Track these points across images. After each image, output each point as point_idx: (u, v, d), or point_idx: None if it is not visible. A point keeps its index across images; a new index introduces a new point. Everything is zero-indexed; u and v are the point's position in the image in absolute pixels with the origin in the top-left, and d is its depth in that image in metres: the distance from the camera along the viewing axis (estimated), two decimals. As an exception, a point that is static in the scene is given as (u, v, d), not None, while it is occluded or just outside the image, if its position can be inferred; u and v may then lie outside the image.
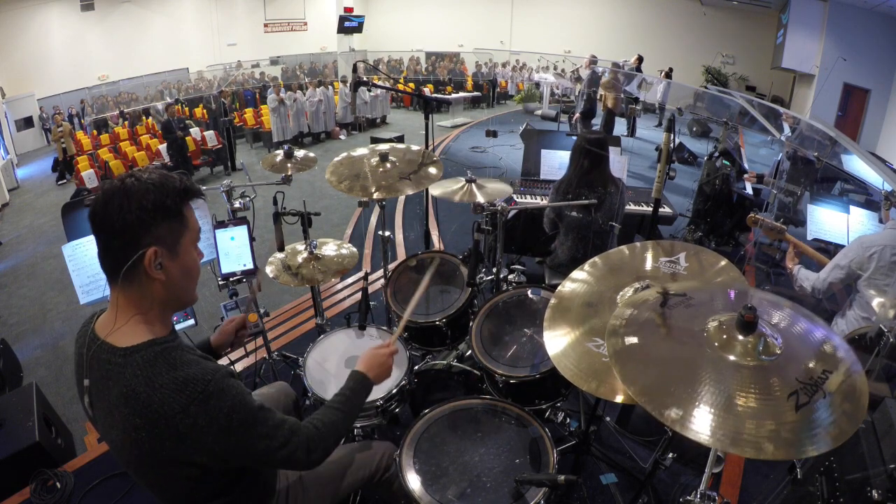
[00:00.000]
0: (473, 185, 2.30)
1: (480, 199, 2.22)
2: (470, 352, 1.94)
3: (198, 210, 2.40)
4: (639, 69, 9.53)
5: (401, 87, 11.52)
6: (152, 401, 0.91)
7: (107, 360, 0.96)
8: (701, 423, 0.92)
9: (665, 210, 3.62)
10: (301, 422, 1.12)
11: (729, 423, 0.91)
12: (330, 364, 1.90)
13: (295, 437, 1.06)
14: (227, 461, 1.01)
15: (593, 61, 7.91)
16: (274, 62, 17.14)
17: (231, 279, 2.28)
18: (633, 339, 1.12)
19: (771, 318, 1.11)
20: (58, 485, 2.17)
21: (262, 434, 1.01)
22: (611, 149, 3.73)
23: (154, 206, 0.94)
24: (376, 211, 5.49)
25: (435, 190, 2.35)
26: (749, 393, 0.94)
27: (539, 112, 11.45)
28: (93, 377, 0.99)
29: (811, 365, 1.00)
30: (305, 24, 18.01)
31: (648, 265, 1.56)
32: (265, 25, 17.25)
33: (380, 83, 8.94)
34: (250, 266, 2.30)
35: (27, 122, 12.61)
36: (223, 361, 2.92)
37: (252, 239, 2.30)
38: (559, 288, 1.57)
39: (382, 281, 2.49)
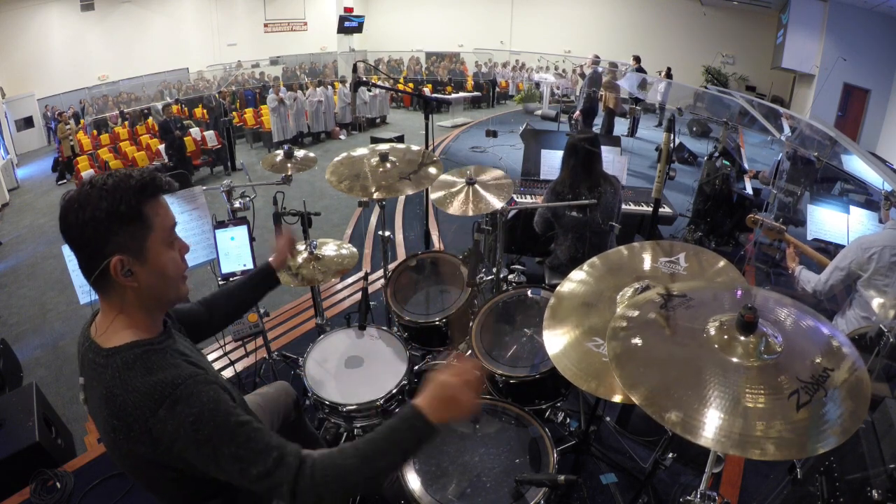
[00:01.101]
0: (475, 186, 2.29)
1: (485, 203, 2.19)
2: (470, 352, 1.95)
3: (196, 210, 2.41)
4: (639, 69, 9.52)
5: (401, 87, 11.51)
6: (127, 403, 0.90)
7: (93, 360, 0.97)
8: (710, 427, 0.91)
9: (665, 210, 3.62)
10: (305, 454, 0.94)
11: (738, 425, 0.90)
12: (330, 364, 1.90)
13: (281, 471, 0.90)
14: (204, 471, 0.93)
15: (595, 61, 7.92)
16: (274, 62, 17.13)
17: (231, 279, 2.28)
18: (637, 341, 1.12)
19: (771, 316, 1.11)
20: (58, 485, 2.17)
21: (236, 455, 0.90)
22: (611, 149, 3.74)
23: (108, 215, 0.89)
24: (376, 211, 5.49)
25: (434, 194, 2.33)
26: (758, 393, 0.94)
27: (539, 112, 11.45)
28: (85, 376, 0.99)
29: (814, 362, 0.99)
30: (305, 24, 18.00)
31: (648, 265, 1.56)
32: (265, 25, 17.24)
33: (380, 83, 8.94)
34: (250, 266, 2.30)
35: (27, 122, 12.61)
36: (223, 362, 2.92)
37: (252, 239, 2.30)
38: (559, 288, 1.57)
39: (382, 281, 2.49)
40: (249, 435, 0.92)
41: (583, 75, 8.02)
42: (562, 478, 1.27)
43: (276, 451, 0.92)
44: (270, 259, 1.54)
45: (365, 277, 2.42)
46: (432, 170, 2.26)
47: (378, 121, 12.14)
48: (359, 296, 2.58)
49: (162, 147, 8.82)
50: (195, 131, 9.29)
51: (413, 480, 1.37)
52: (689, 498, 1.27)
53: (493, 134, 8.19)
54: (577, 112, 7.97)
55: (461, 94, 12.55)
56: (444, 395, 0.99)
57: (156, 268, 0.97)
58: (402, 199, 5.84)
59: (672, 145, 1.97)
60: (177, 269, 1.02)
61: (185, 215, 2.35)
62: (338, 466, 0.92)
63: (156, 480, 1.00)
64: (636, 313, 1.20)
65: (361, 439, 0.97)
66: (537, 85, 12.95)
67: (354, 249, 2.38)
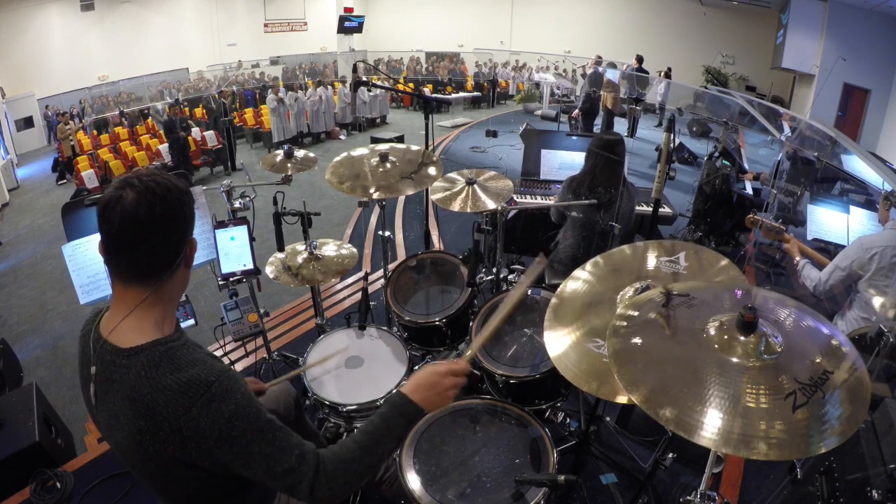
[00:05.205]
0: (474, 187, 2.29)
1: (484, 203, 2.20)
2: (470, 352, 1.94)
3: (196, 209, 2.41)
4: (640, 69, 9.53)
5: (401, 87, 11.51)
6: (157, 402, 0.89)
7: (111, 362, 0.94)
8: (708, 426, 0.91)
9: (665, 210, 3.62)
10: (318, 450, 0.99)
11: (737, 424, 0.90)
12: (330, 364, 1.90)
13: (303, 468, 0.95)
14: (229, 469, 0.95)
15: (598, 62, 7.92)
16: (274, 62, 17.14)
17: (231, 279, 2.28)
18: (636, 340, 1.12)
19: (771, 316, 1.11)
20: (58, 485, 2.17)
21: (265, 453, 0.93)
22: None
23: (190, 203, 1.00)
24: (376, 211, 5.49)
25: (434, 195, 2.34)
26: (758, 393, 0.94)
27: (539, 112, 11.44)
28: (98, 372, 0.97)
29: (814, 362, 0.99)
30: (305, 24, 18.00)
31: (649, 265, 1.56)
32: (265, 25, 17.25)
33: (380, 83, 8.94)
34: (250, 266, 2.30)
35: (27, 122, 12.61)
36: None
37: (252, 239, 2.30)
38: (559, 288, 1.57)
39: (382, 281, 2.49)
40: (276, 433, 0.95)
41: (583, 75, 8.04)
42: (562, 478, 1.27)
43: (297, 448, 0.96)
44: None
45: (365, 277, 2.43)
46: (432, 170, 2.26)
47: (378, 121, 12.14)
48: (359, 296, 2.58)
49: (163, 147, 8.82)
50: (195, 131, 9.30)
51: (413, 480, 1.37)
52: (689, 498, 1.27)
53: (493, 134, 8.19)
54: (577, 111, 7.97)
55: (461, 94, 12.56)
56: (429, 381, 1.10)
57: (189, 265, 1.05)
58: (402, 199, 5.84)
59: (672, 145, 1.97)
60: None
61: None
62: (343, 460, 0.99)
63: (177, 482, 0.98)
64: (636, 313, 1.20)
65: (358, 431, 1.04)
66: (537, 85, 12.96)
67: (354, 249, 2.38)
